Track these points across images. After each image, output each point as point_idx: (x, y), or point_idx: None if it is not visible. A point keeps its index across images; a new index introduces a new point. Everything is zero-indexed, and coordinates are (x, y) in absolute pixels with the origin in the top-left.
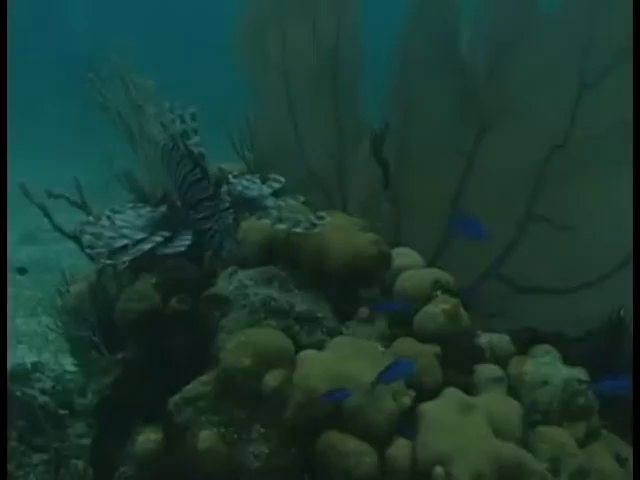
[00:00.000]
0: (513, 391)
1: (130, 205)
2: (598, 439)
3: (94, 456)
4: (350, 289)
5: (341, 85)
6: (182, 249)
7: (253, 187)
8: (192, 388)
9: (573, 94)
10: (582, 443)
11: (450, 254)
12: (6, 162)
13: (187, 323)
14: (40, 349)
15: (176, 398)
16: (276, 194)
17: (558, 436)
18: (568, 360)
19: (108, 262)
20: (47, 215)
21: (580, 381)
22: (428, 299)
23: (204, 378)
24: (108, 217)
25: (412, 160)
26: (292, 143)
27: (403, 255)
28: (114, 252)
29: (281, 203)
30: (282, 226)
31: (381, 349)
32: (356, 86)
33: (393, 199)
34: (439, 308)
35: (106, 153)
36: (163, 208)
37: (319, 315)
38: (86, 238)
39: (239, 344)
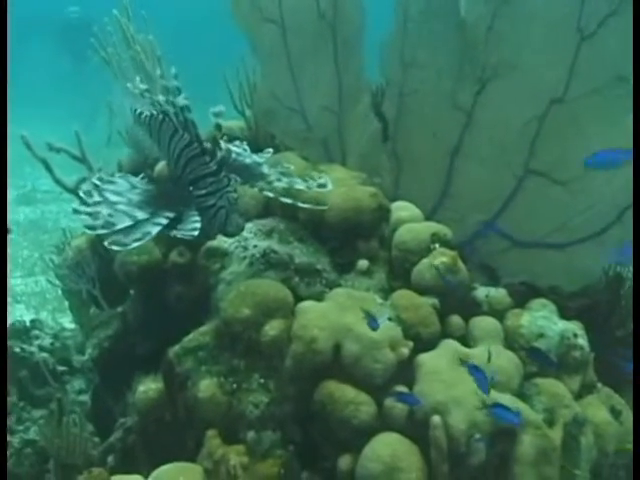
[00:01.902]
0: (509, 343)
1: (119, 174)
2: (593, 392)
3: (93, 409)
4: (349, 242)
5: (341, 41)
6: (195, 234)
7: (245, 154)
8: (192, 338)
9: (572, 48)
10: (577, 396)
11: (448, 208)
12: (6, 121)
13: (187, 276)
14: (38, 308)
15: (176, 348)
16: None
17: (554, 388)
18: (564, 314)
19: (115, 248)
20: (48, 168)
21: (576, 335)
22: (427, 252)
23: (204, 328)
24: (98, 189)
25: (411, 115)
26: (292, 99)
27: (402, 208)
28: (116, 233)
29: (278, 169)
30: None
31: (379, 300)
32: (357, 41)
33: (392, 153)
34: (437, 260)
35: (107, 109)
36: (157, 183)
37: (318, 267)
38: (83, 219)
39: (238, 295)
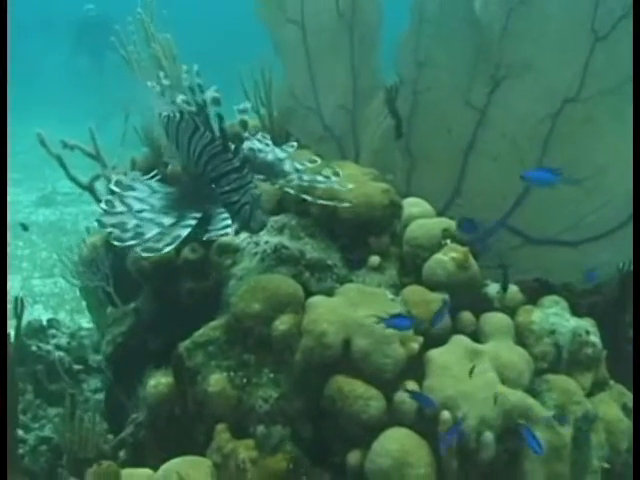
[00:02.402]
0: (520, 340)
1: (135, 178)
2: (605, 389)
3: (107, 405)
4: (361, 238)
5: (358, 40)
6: (228, 231)
7: (267, 150)
8: (203, 333)
9: (586, 48)
10: (589, 393)
11: (460, 206)
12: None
13: (199, 272)
14: (56, 309)
15: (187, 343)
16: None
17: (565, 384)
18: (577, 311)
19: (148, 255)
20: (62, 165)
21: (588, 332)
22: (438, 248)
23: (214, 323)
24: (119, 198)
25: (425, 112)
26: (310, 98)
27: (414, 205)
28: (147, 241)
29: (299, 166)
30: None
31: (390, 296)
32: (373, 40)
33: (405, 150)
34: (448, 256)
35: (123, 106)
36: (179, 184)
37: (329, 263)
38: (110, 232)
39: (249, 289)
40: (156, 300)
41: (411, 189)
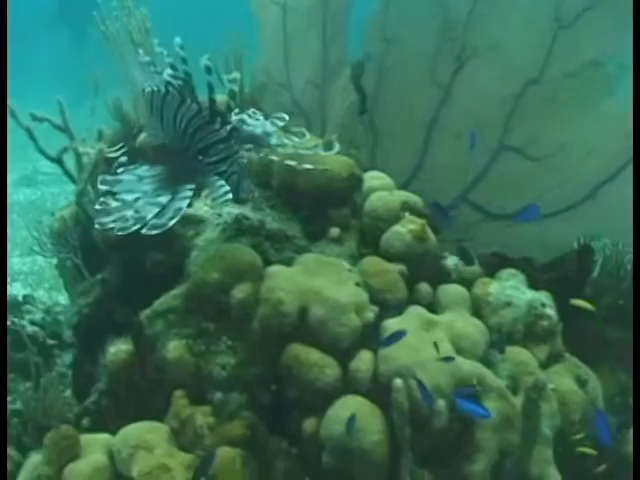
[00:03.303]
0: (477, 311)
1: (119, 170)
2: (560, 361)
3: (74, 375)
4: (322, 210)
5: (330, 17)
6: (230, 197)
7: (257, 124)
8: (163, 301)
9: (549, 33)
10: (544, 364)
11: (423, 180)
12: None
13: (164, 243)
14: (34, 286)
15: (147, 311)
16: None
17: (519, 355)
18: (535, 285)
19: (154, 232)
20: (32, 138)
21: (544, 305)
22: (396, 220)
23: (175, 292)
24: (114, 196)
25: (390, 89)
26: (282, 74)
27: (374, 178)
28: (149, 221)
29: (286, 141)
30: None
31: (347, 267)
32: (343, 18)
33: (370, 125)
34: (406, 228)
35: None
36: (163, 164)
37: (289, 234)
38: (113, 226)
39: (208, 259)
40: (123, 271)
41: (375, 163)
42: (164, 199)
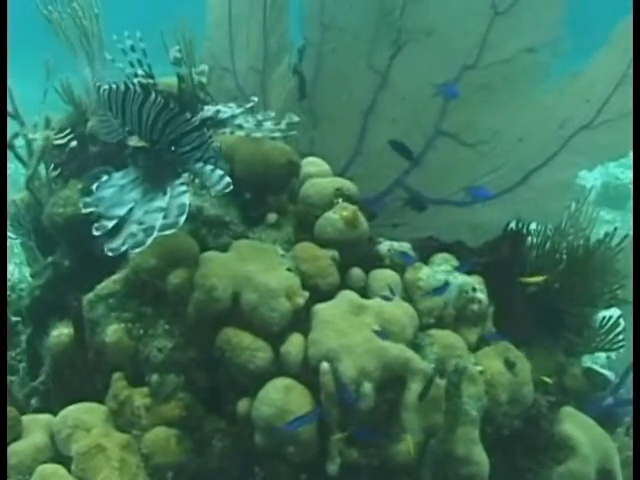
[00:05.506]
0: (407, 296)
1: (92, 188)
2: (490, 344)
3: (27, 356)
4: (260, 196)
5: (271, 2)
6: (228, 180)
7: (227, 110)
8: (105, 286)
9: (485, 20)
10: (475, 347)
11: (360, 166)
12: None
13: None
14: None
15: (90, 295)
16: None
17: (447, 339)
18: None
19: (168, 232)
20: None
21: (474, 289)
22: (329, 206)
23: (116, 277)
24: (105, 217)
25: (328, 74)
26: (226, 58)
27: (311, 164)
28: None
29: (250, 119)
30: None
31: (281, 252)
32: (284, 3)
33: (309, 111)
34: (338, 214)
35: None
36: (138, 167)
37: (227, 219)
38: (126, 247)
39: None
40: (72, 254)
41: (314, 149)
42: (160, 202)
